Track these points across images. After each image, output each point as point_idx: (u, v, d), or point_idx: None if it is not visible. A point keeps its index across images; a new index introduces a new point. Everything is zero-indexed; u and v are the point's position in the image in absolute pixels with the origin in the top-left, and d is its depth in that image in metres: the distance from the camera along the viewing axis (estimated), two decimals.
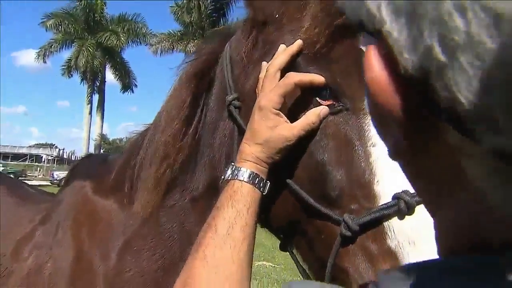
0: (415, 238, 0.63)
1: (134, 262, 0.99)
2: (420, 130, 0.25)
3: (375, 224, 0.67)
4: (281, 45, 0.80)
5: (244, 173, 0.73)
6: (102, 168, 1.22)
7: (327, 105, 0.75)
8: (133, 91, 29.89)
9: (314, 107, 0.75)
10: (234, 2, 23.26)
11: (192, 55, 1.04)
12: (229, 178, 0.74)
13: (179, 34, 25.29)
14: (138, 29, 27.89)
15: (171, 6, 25.50)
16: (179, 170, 0.98)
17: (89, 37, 28.00)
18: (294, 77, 0.74)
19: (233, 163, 0.76)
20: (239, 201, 0.71)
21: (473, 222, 0.26)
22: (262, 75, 0.80)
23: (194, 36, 24.42)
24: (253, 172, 0.73)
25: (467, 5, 0.18)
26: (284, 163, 0.75)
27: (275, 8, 0.84)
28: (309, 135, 0.74)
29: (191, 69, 0.99)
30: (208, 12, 24.35)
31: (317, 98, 0.75)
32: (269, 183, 0.75)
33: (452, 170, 0.24)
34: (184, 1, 24.59)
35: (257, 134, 0.74)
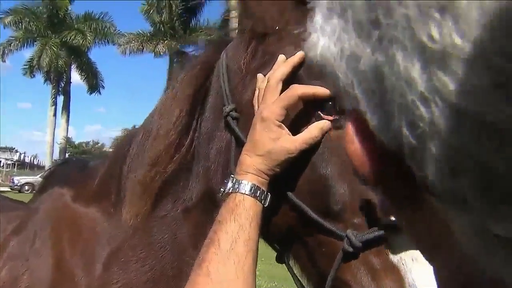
0: (418, 255, 0.65)
1: (122, 273, 0.96)
2: (402, 193, 0.26)
3: (378, 241, 0.69)
4: (280, 55, 0.81)
5: (246, 185, 0.73)
6: (82, 174, 1.18)
7: (332, 120, 0.75)
8: (100, 93, 29.12)
9: (316, 120, 0.76)
10: (206, 2, 23.17)
11: (183, 61, 1.04)
12: (230, 191, 0.74)
13: (148, 35, 24.92)
14: (106, 29, 27.23)
15: (142, 4, 25.06)
16: (171, 180, 0.96)
17: (53, 35, 27.05)
18: (298, 90, 0.75)
19: (233, 175, 0.76)
20: (241, 214, 0.71)
21: (462, 273, 0.26)
22: (262, 85, 0.80)
23: (165, 37, 24.12)
24: (255, 185, 0.73)
25: (429, 96, 0.19)
26: (285, 176, 0.75)
27: (275, 19, 0.85)
28: (310, 149, 0.74)
29: (188, 80, 0.97)
30: (179, 12, 24.12)
31: (319, 112, 0.76)
32: (270, 196, 0.75)
33: (437, 225, 0.25)
34: (154, 0, 24.24)
35: (258, 145, 0.74)
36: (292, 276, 0.83)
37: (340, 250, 0.70)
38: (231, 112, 0.86)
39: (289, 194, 0.76)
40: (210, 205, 0.91)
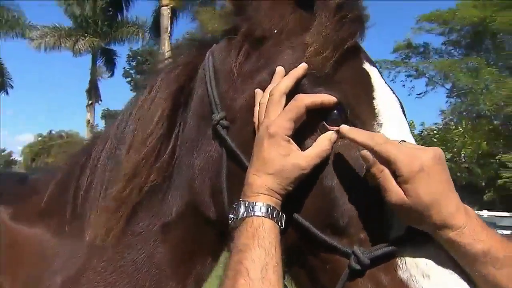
0: (430, 272, 0.66)
1: None
2: None
3: (387, 258, 0.69)
4: (278, 67, 0.82)
5: (262, 207, 0.72)
6: (21, 189, 1.09)
7: (338, 130, 0.76)
8: (7, 93, 26.77)
9: (321, 131, 0.77)
10: None
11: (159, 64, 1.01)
12: (244, 215, 0.73)
13: (66, 29, 23.51)
14: (13, 19, 25.14)
15: None
16: (149, 192, 0.91)
17: None
18: (304, 99, 0.75)
19: (242, 199, 0.75)
20: (264, 239, 0.70)
21: None
22: (264, 100, 0.80)
23: (86, 32, 22.92)
24: (270, 205, 0.73)
25: None
26: (290, 193, 0.75)
27: (274, 23, 0.86)
28: (320, 162, 0.75)
29: (169, 80, 0.95)
30: (104, 6, 23.13)
31: (324, 122, 0.77)
32: (284, 216, 0.74)
33: None
34: None
35: (268, 163, 0.74)
36: None
37: (346, 267, 0.70)
38: (221, 121, 0.85)
39: (295, 215, 0.75)
40: (195, 221, 0.90)
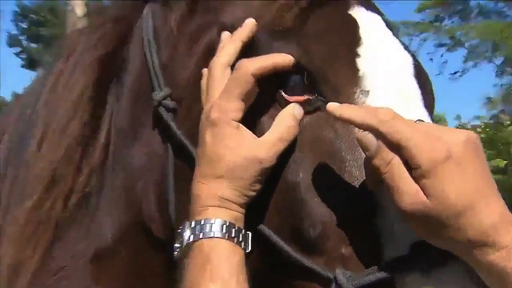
0: None
1: None
2: None
3: (382, 286, 0.58)
4: (224, 33, 0.73)
5: (213, 225, 0.63)
6: None
7: (302, 101, 0.66)
8: None
9: (281, 106, 0.67)
10: None
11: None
12: (191, 240, 0.63)
13: None
14: None
15: None
16: (75, 206, 0.82)
17: None
18: (249, 66, 0.66)
19: (187, 220, 0.65)
20: (219, 268, 0.60)
21: None
22: (205, 80, 0.72)
23: None
24: (226, 221, 0.63)
25: None
26: (254, 200, 0.67)
27: None
28: (285, 149, 0.66)
29: (94, 45, 0.86)
30: None
31: (282, 92, 0.68)
32: (250, 235, 0.66)
33: None
34: None
35: (215, 163, 0.65)
36: None
37: None
38: (164, 101, 0.76)
39: (261, 227, 0.66)
40: (139, 243, 0.81)
